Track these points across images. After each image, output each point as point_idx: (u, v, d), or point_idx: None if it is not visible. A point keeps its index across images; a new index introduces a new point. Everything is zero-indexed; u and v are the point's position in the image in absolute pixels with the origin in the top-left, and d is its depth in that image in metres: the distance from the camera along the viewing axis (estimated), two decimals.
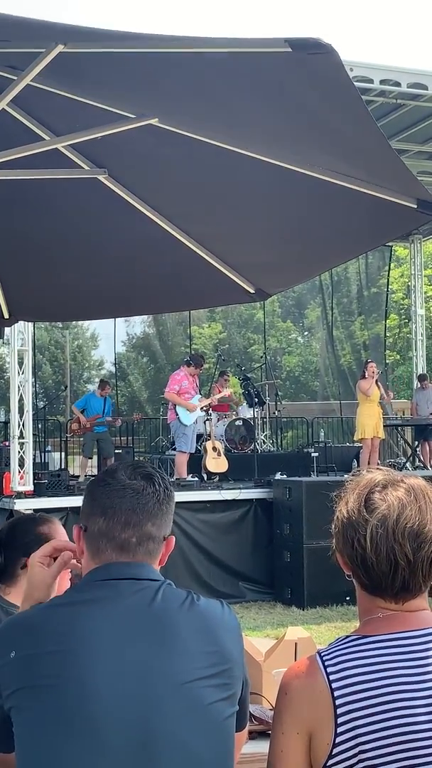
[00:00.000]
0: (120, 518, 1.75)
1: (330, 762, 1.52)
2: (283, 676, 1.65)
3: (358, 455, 13.98)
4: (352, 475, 1.77)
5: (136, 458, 15.89)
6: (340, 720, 1.52)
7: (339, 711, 1.52)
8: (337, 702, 1.53)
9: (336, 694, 1.53)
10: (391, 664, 1.56)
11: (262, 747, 2.37)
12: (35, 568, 1.96)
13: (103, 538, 1.76)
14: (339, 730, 1.51)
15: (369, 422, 12.35)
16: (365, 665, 1.56)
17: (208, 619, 1.72)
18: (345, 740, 1.51)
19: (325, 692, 1.54)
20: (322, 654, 1.60)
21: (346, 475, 12.07)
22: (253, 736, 2.48)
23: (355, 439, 13.04)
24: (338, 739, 1.51)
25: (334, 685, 1.54)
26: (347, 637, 1.63)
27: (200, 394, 12.11)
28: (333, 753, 1.51)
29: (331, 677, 1.55)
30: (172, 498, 1.84)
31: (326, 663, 1.57)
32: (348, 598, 9.61)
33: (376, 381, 12.51)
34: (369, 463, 12.24)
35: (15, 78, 2.64)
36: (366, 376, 12.58)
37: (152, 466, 1.87)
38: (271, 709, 2.61)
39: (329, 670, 1.56)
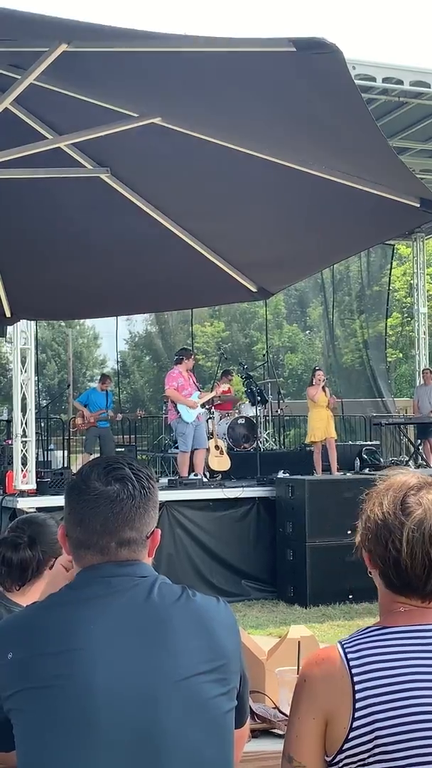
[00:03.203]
0: (96, 529, 1.73)
1: (346, 746, 1.55)
2: (303, 664, 1.69)
3: (360, 453, 13.99)
4: (382, 475, 1.79)
5: (139, 457, 15.88)
6: (358, 705, 1.55)
7: (358, 696, 1.56)
8: (357, 687, 1.56)
9: (356, 680, 1.57)
10: (412, 654, 1.59)
11: (265, 745, 2.37)
12: (57, 572, 1.98)
13: (81, 546, 1.75)
14: (357, 715, 1.55)
15: (318, 426, 12.55)
16: (386, 653, 1.59)
17: (204, 615, 1.72)
18: (362, 725, 1.54)
19: (345, 678, 1.58)
20: (343, 643, 1.64)
21: (348, 473, 12.13)
22: (256, 734, 2.48)
23: (306, 441, 13.26)
24: (355, 724, 1.55)
25: (354, 671, 1.58)
26: (368, 628, 1.67)
27: (200, 391, 12.06)
28: (349, 737, 1.55)
29: (352, 663, 1.59)
30: (151, 495, 1.80)
31: (347, 651, 1.61)
32: (351, 597, 9.61)
33: (323, 387, 12.72)
34: (330, 462, 12.48)
35: (18, 77, 2.64)
36: (314, 383, 12.83)
37: (129, 463, 1.82)
38: (273, 708, 2.61)
39: (350, 656, 1.60)
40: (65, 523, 1.80)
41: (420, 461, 14.54)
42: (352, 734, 1.55)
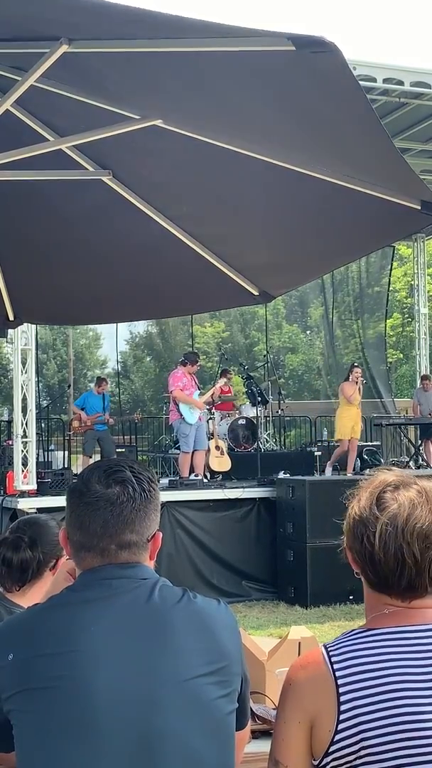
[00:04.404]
0: (96, 531, 1.73)
1: (332, 748, 1.55)
2: (289, 668, 1.69)
3: (361, 454, 13.98)
4: (367, 476, 1.80)
5: (139, 457, 15.88)
6: (342, 708, 1.55)
7: (342, 699, 1.55)
8: (341, 690, 1.56)
9: (340, 683, 1.57)
10: (395, 656, 1.59)
11: (265, 746, 2.36)
12: (61, 576, 1.98)
13: (82, 548, 1.76)
14: (341, 717, 1.55)
15: (347, 424, 12.43)
16: (369, 656, 1.59)
17: (205, 617, 1.72)
18: (347, 728, 1.54)
19: (329, 682, 1.57)
20: (327, 646, 1.64)
21: (349, 474, 12.12)
22: (257, 735, 2.48)
23: (335, 438, 13.13)
24: (340, 727, 1.55)
25: (338, 674, 1.57)
26: (352, 631, 1.67)
27: (200, 391, 12.04)
28: (335, 740, 1.55)
29: (335, 666, 1.59)
30: (152, 498, 1.80)
31: (331, 654, 1.61)
32: (351, 597, 9.61)
33: (359, 387, 12.54)
34: (347, 463, 12.45)
35: (19, 78, 2.64)
36: (350, 379, 12.58)
37: (130, 466, 1.82)
38: (274, 708, 2.62)
39: (333, 660, 1.60)
40: (66, 525, 1.81)
41: (420, 462, 14.53)
42: (337, 737, 1.55)
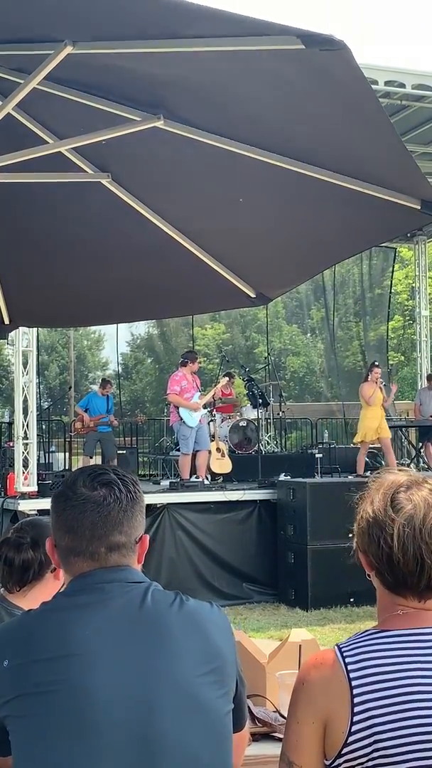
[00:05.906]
0: (84, 534, 1.74)
1: (345, 750, 1.55)
2: (301, 667, 1.69)
3: None
4: (375, 476, 1.80)
5: (141, 459, 15.86)
6: (356, 709, 1.55)
7: (356, 700, 1.55)
8: (355, 692, 1.56)
9: (354, 684, 1.57)
10: (410, 657, 1.59)
11: (266, 749, 2.37)
12: None
13: (71, 553, 1.76)
14: (355, 719, 1.55)
15: (371, 425, 12.20)
16: (384, 657, 1.59)
17: (199, 618, 1.73)
18: (361, 729, 1.54)
19: (343, 682, 1.57)
20: (341, 646, 1.64)
21: (350, 476, 12.10)
22: (257, 738, 2.48)
23: (355, 441, 12.94)
24: (354, 728, 1.55)
25: (352, 675, 1.57)
26: (366, 631, 1.67)
27: (200, 391, 12.00)
28: (348, 741, 1.55)
29: (350, 668, 1.59)
30: (138, 500, 1.82)
31: (345, 654, 1.61)
32: (352, 600, 9.60)
33: (379, 387, 12.36)
34: (388, 464, 12.18)
35: (21, 81, 2.64)
36: (369, 380, 12.35)
37: (114, 469, 1.84)
38: (274, 711, 2.61)
39: (348, 660, 1.60)
40: (53, 532, 1.81)
41: (421, 464, 14.52)
42: (350, 738, 1.55)
